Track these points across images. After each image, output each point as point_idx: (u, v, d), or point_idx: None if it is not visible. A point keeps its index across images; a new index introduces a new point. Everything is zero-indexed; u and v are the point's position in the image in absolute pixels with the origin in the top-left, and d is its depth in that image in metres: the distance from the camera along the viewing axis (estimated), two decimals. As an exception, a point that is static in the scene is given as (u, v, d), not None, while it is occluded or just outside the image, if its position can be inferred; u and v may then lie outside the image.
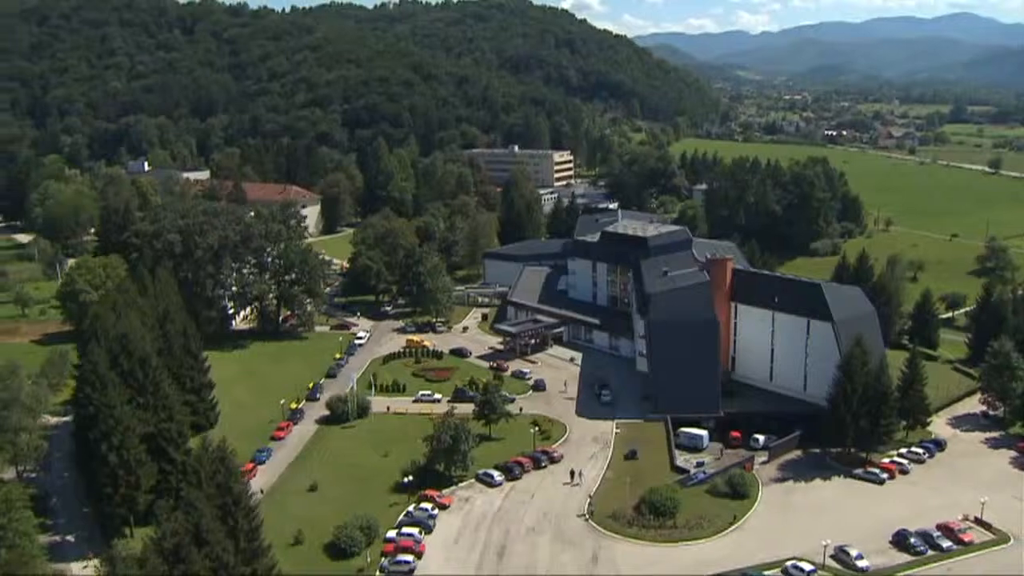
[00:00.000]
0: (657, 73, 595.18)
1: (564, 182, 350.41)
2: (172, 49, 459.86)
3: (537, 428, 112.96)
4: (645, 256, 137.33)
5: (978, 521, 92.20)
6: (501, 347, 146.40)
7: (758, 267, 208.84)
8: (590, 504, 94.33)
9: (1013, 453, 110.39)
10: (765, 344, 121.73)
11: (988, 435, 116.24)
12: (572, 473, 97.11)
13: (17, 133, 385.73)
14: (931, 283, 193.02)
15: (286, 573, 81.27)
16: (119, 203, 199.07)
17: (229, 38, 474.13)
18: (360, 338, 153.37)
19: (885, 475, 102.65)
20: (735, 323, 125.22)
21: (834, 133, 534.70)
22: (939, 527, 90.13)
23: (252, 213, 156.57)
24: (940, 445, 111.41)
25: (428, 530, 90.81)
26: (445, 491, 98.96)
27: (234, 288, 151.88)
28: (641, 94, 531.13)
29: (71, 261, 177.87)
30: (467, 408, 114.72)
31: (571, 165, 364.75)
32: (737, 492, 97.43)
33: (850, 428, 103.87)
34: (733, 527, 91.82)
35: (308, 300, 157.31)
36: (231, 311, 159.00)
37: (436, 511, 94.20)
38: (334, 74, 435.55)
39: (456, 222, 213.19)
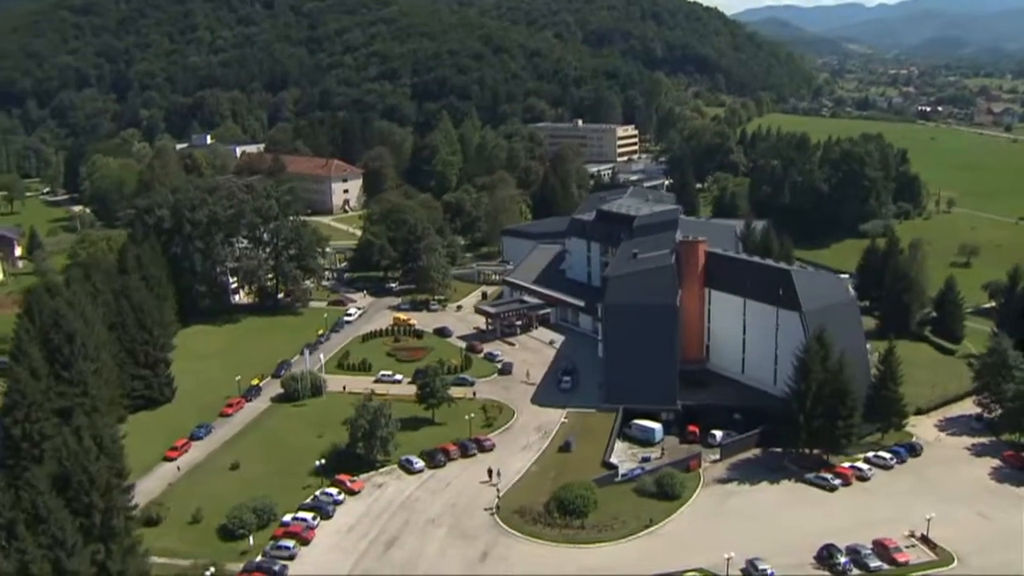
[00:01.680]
0: (747, 46, 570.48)
1: (626, 157, 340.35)
2: (251, 23, 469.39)
3: (484, 414, 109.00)
4: (628, 236, 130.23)
5: (923, 539, 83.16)
6: (485, 328, 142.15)
7: (792, 249, 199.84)
8: (498, 498, 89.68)
9: (996, 463, 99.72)
10: (737, 333, 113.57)
11: (976, 441, 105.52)
12: (490, 472, 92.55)
13: (101, 107, 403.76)
14: (983, 269, 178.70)
15: (164, 550, 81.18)
16: (149, 177, 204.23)
17: (307, 11, 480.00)
18: (350, 315, 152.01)
19: (838, 481, 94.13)
20: (708, 310, 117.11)
21: (928, 109, 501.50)
22: (875, 543, 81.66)
23: (245, 188, 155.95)
24: (914, 450, 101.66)
25: (326, 515, 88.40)
26: (362, 476, 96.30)
27: (228, 264, 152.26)
28: (727, 68, 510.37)
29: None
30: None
31: (635, 139, 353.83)
32: (665, 493, 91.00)
33: (803, 428, 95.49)
34: (646, 531, 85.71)
35: (303, 276, 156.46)
36: (233, 286, 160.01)
37: (342, 496, 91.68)
38: (406, 47, 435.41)
39: (482, 198, 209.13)
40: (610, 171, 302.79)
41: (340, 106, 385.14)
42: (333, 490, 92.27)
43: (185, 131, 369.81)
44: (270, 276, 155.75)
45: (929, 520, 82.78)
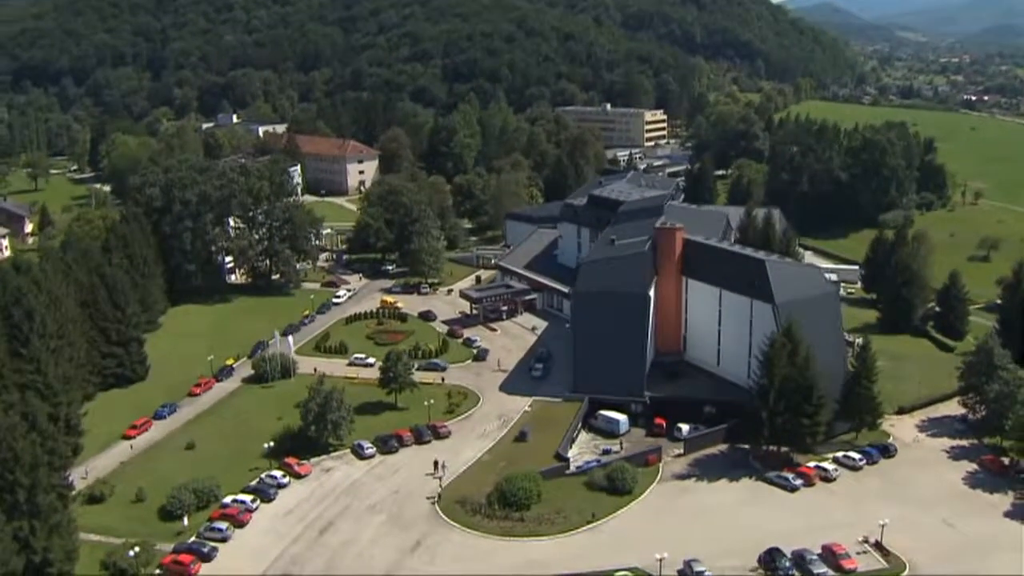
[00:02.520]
0: (790, 32, 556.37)
1: (653, 142, 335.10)
2: (287, 3, 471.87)
3: (448, 400, 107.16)
4: (613, 222, 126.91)
5: (877, 545, 79.35)
6: (470, 313, 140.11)
7: (803, 237, 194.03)
8: (439, 487, 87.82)
9: (973, 467, 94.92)
10: (713, 324, 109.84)
11: (956, 443, 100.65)
12: (436, 464, 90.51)
13: (135, 85, 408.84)
14: (1003, 264, 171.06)
15: (103, 528, 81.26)
16: (166, 155, 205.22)
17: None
18: (339, 297, 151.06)
19: (799, 482, 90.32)
20: (686, 299, 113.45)
21: (974, 98, 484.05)
22: (824, 548, 78.08)
23: (237, 168, 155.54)
24: (887, 451, 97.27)
25: (267, 499, 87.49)
26: (312, 460, 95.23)
27: (221, 244, 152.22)
28: (767, 53, 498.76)
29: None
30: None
31: (664, 124, 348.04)
32: (616, 487, 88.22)
33: (766, 425, 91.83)
34: (588, 527, 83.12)
35: (296, 257, 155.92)
36: (229, 266, 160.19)
37: (287, 480, 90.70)
38: (439, 28, 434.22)
39: (490, 181, 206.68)
40: (627, 156, 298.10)
41: (371, 87, 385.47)
42: (278, 473, 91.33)
43: (217, 110, 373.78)
44: (262, 256, 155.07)
45: (883, 526, 78.92)
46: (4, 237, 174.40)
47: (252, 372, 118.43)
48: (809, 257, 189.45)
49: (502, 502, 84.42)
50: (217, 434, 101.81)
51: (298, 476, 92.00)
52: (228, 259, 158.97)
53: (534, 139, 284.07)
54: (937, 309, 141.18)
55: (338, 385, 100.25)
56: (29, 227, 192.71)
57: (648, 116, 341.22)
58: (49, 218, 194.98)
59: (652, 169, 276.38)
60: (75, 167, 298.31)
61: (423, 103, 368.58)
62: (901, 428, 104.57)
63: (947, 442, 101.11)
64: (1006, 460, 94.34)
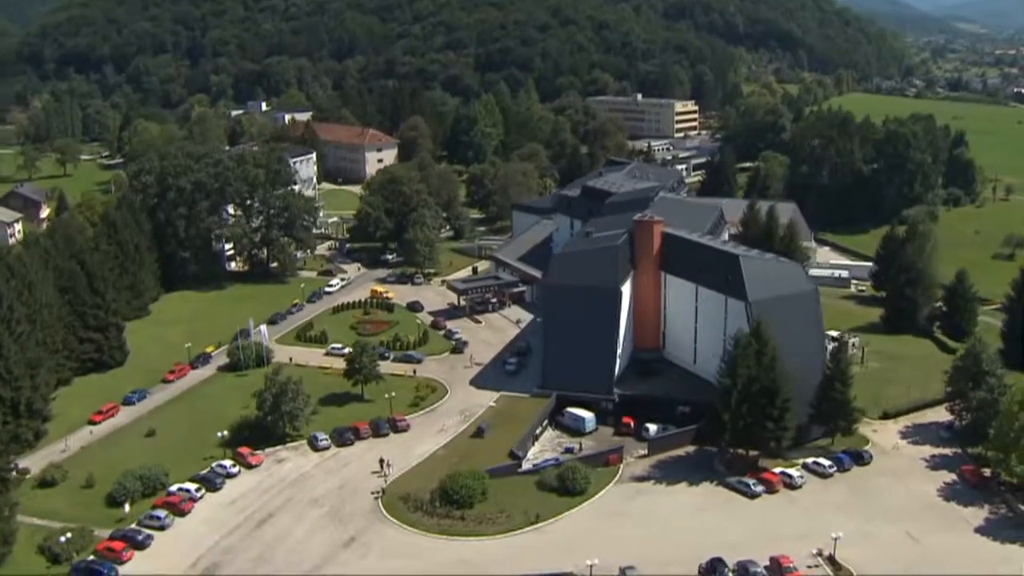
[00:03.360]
0: (834, 22, 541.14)
1: (683, 133, 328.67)
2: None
3: (416, 392, 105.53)
4: (598, 213, 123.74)
5: (830, 559, 75.58)
6: (457, 304, 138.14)
7: (824, 232, 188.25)
8: (383, 483, 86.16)
9: (952, 478, 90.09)
10: (690, 321, 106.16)
11: (938, 451, 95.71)
12: (381, 462, 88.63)
13: (173, 73, 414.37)
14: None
15: (50, 512, 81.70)
16: (175, 141, 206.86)
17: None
18: (332, 286, 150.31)
19: (760, 488, 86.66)
20: (665, 295, 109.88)
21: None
22: (771, 560, 74.60)
23: (236, 156, 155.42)
24: (861, 458, 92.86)
25: (214, 488, 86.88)
26: (268, 450, 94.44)
27: (217, 231, 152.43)
28: (810, 44, 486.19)
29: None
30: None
31: (695, 115, 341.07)
32: (567, 488, 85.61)
33: (728, 428, 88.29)
34: (531, 528, 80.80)
35: (291, 244, 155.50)
36: (229, 253, 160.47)
37: (237, 469, 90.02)
38: (473, 17, 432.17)
39: (500, 171, 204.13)
40: (646, 147, 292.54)
41: (403, 75, 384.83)
42: (228, 462, 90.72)
43: (249, 97, 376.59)
44: (258, 244, 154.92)
45: (836, 539, 75.01)
46: (17, 222, 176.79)
47: (228, 360, 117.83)
48: (825, 253, 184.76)
49: (444, 500, 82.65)
50: (180, 422, 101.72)
51: (249, 466, 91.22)
52: (228, 246, 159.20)
53: (558, 129, 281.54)
54: (944, 309, 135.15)
55: (310, 375, 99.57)
56: (45, 212, 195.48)
57: (679, 107, 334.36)
58: (66, 204, 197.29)
59: (677, 160, 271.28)
60: (106, 153, 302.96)
61: (455, 92, 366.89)
62: (883, 434, 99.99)
63: (929, 450, 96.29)
64: (987, 472, 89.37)
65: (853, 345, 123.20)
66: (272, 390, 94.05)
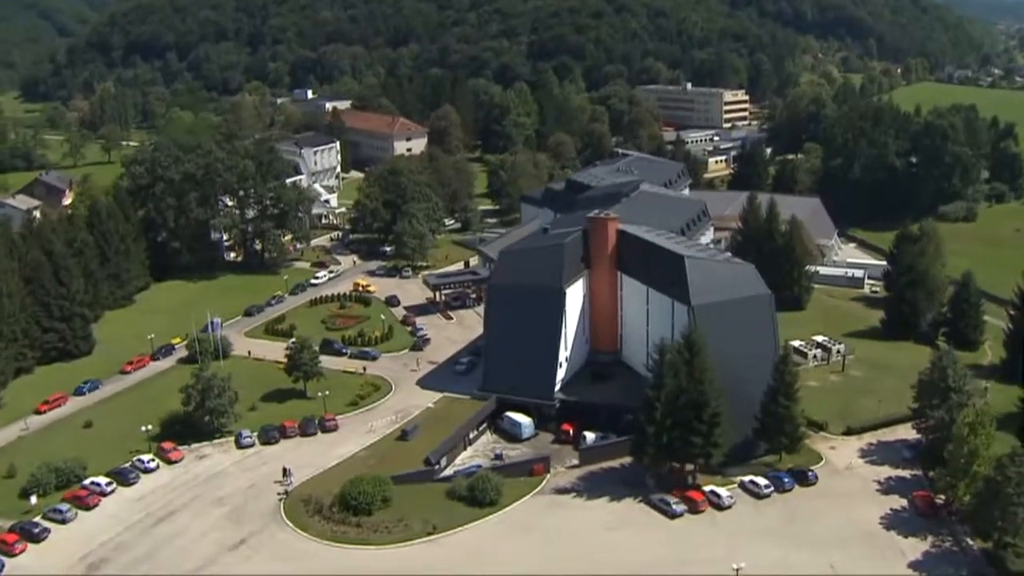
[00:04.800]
0: (908, 9, 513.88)
1: (731, 124, 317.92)
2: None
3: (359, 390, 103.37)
4: (570, 209, 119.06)
5: (726, 587, 70.25)
6: (435, 299, 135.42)
7: (854, 228, 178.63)
8: (287, 486, 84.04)
9: (902, 504, 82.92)
10: (643, 324, 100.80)
11: (896, 473, 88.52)
12: (284, 471, 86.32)
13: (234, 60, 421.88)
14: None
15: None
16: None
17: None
18: (318, 278, 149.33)
19: (682, 507, 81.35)
20: (621, 295, 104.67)
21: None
22: (668, 585, 69.84)
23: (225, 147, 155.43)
24: (805, 478, 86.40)
25: (127, 482, 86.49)
26: (193, 445, 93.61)
27: (209, 221, 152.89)
28: (880, 32, 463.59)
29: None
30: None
31: (745, 105, 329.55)
32: (476, 498, 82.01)
33: (650, 442, 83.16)
34: (425, 539, 77.65)
35: (283, 235, 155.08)
36: (228, 243, 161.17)
37: (155, 464, 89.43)
38: (528, 4, 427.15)
39: (516, 162, 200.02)
40: (674, 138, 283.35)
41: (456, 63, 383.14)
42: (147, 457, 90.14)
43: (303, 85, 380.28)
44: (251, 235, 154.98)
45: (737, 570, 69.42)
46: (36, 210, 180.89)
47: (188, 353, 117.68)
48: (849, 250, 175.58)
49: (343, 505, 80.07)
50: (122, 414, 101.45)
51: (169, 462, 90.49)
52: (227, 237, 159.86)
53: (597, 118, 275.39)
54: (950, 315, 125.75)
55: (264, 369, 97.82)
56: (68, 199, 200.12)
57: (728, 96, 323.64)
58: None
59: (718, 152, 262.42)
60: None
61: (506, 80, 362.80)
62: (841, 451, 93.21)
63: (887, 472, 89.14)
64: (940, 499, 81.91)
65: (838, 352, 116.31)
66: (198, 386, 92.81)
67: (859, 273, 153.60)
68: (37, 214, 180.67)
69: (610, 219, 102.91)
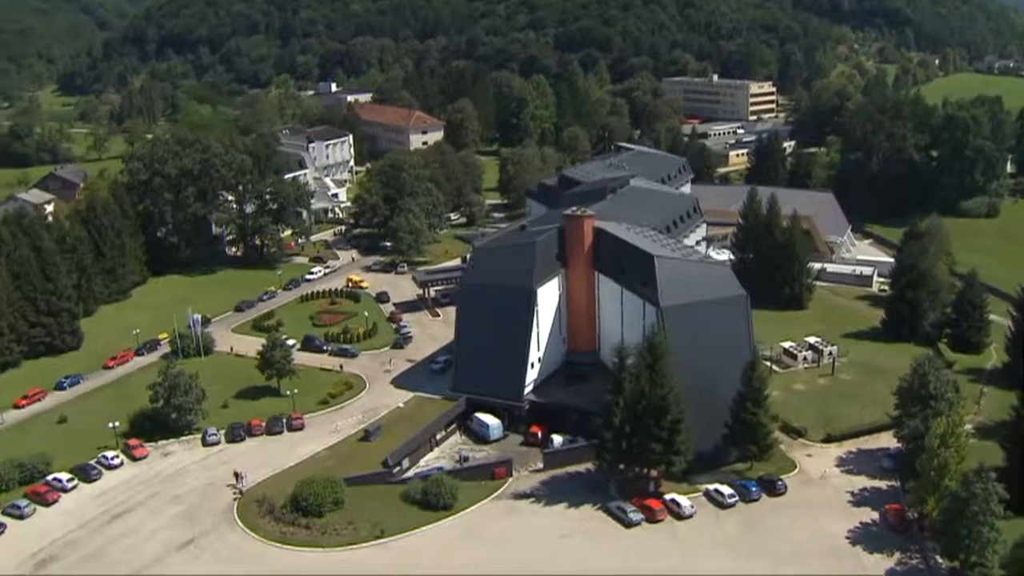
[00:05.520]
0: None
1: (756, 116, 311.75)
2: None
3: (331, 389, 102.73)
4: (555, 205, 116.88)
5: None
6: (425, 296, 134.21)
7: (872, 224, 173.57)
8: (240, 492, 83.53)
9: (872, 517, 79.66)
10: (617, 325, 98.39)
11: (872, 484, 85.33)
12: (236, 475, 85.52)
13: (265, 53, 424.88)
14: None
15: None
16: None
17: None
18: (313, 273, 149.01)
19: (638, 516, 79.07)
20: (598, 295, 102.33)
21: None
22: (611, 596, 67.83)
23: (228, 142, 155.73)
24: (773, 488, 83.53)
25: (89, 479, 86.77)
26: (160, 443, 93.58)
27: (208, 216, 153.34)
28: (918, 22, 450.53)
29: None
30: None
31: (772, 97, 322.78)
32: (429, 502, 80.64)
33: (609, 448, 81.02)
34: (373, 543, 76.58)
35: (279, 230, 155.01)
36: (228, 238, 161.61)
37: (119, 461, 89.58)
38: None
39: (524, 156, 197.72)
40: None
41: (483, 56, 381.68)
42: (111, 453, 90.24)
43: (330, 78, 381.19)
44: (248, 229, 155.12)
45: (680, 582, 67.40)
46: (49, 204, 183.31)
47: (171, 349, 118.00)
48: (863, 247, 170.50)
49: (294, 506, 79.31)
50: (98, 409, 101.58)
51: (134, 458, 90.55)
52: (227, 232, 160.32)
53: (617, 110, 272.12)
54: (954, 316, 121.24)
55: (243, 366, 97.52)
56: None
57: (754, 88, 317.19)
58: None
59: (740, 145, 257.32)
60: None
61: (532, 72, 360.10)
62: (818, 459, 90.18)
63: (863, 482, 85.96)
64: (912, 513, 78.45)
65: (830, 354, 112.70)
66: (165, 384, 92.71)
67: (868, 271, 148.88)
68: (50, 208, 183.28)
69: (586, 216, 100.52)
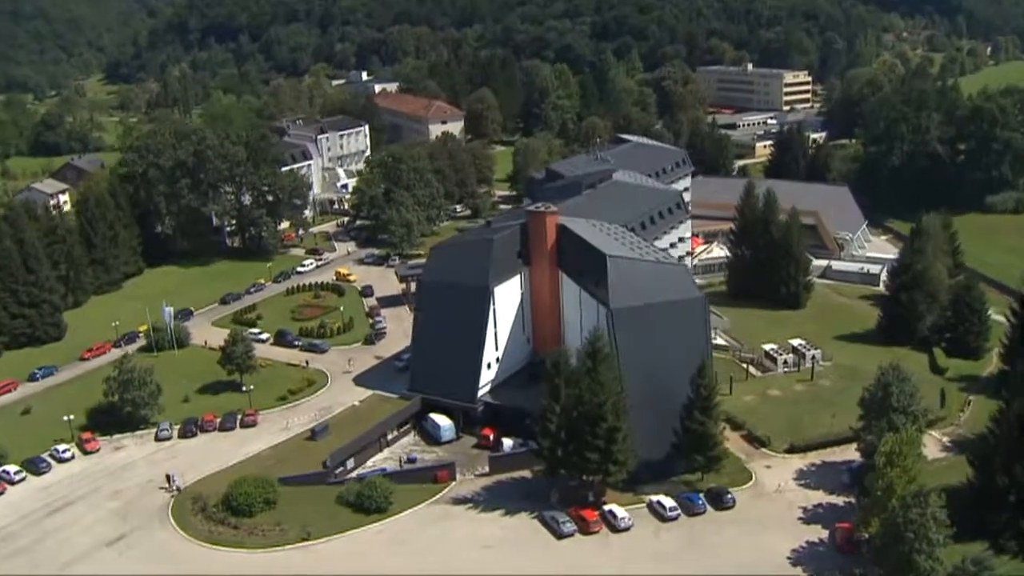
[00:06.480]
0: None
1: (790, 106, 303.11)
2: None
3: (287, 385, 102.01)
4: (535, 199, 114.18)
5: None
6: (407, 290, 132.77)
7: (892, 219, 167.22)
8: (177, 489, 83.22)
9: (821, 536, 75.70)
10: (577, 326, 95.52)
11: (828, 499, 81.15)
12: (168, 478, 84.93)
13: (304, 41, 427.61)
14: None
15: None
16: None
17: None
18: (304, 265, 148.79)
19: (571, 527, 76.50)
20: (562, 294, 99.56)
21: None
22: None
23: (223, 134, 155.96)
24: (720, 501, 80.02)
25: (38, 472, 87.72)
26: (115, 436, 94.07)
27: (205, 208, 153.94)
28: (969, 9, 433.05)
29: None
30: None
31: (807, 87, 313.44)
32: (363, 505, 79.27)
33: (544, 455, 78.60)
34: (298, 545, 75.57)
35: (274, 222, 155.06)
36: (229, 229, 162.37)
37: (70, 454, 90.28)
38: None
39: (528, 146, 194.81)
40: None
41: (519, 44, 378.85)
42: (63, 446, 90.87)
43: (365, 66, 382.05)
44: (244, 220, 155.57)
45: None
46: (63, 193, 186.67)
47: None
48: (880, 243, 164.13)
49: (225, 506, 78.74)
50: (62, 401, 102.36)
51: (86, 452, 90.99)
52: (226, 223, 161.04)
53: (643, 100, 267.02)
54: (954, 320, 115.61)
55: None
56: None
57: (788, 77, 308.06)
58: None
59: (769, 136, 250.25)
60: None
61: (566, 62, 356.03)
62: (777, 471, 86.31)
63: (819, 497, 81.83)
64: (864, 534, 74.28)
65: (813, 358, 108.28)
66: (119, 378, 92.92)
67: (875, 269, 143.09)
68: (64, 198, 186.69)
69: (548, 213, 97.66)
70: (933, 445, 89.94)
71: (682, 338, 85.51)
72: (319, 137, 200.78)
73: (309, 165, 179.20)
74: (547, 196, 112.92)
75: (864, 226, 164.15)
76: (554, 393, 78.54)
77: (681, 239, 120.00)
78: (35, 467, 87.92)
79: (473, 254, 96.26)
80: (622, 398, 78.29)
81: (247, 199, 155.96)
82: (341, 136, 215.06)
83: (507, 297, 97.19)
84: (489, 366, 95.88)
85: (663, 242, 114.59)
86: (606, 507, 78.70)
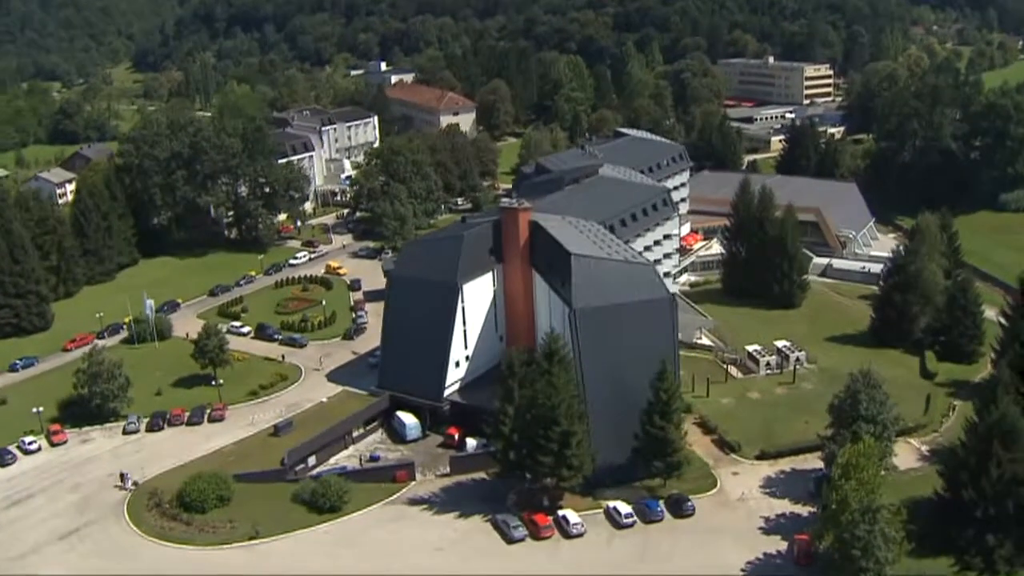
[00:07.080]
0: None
1: (810, 100, 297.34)
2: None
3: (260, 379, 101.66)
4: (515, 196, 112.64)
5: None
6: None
7: (902, 216, 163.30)
8: (131, 480, 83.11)
9: (780, 548, 73.53)
10: (546, 324, 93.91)
11: (792, 509, 78.92)
12: (122, 476, 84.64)
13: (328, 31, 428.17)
14: None
15: None
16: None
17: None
18: (297, 258, 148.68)
19: (521, 532, 75.12)
20: (535, 292, 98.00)
21: None
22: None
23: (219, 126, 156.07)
24: (680, 509, 78.10)
25: (3, 463, 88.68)
26: (85, 428, 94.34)
27: (199, 199, 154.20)
28: (1002, 2, 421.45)
29: None
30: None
31: (828, 80, 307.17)
32: (317, 504, 78.61)
33: (497, 458, 77.37)
34: (246, 544, 75.09)
35: (269, 214, 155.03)
36: (227, 221, 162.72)
37: (37, 446, 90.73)
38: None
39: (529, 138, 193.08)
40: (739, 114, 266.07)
41: (541, 35, 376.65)
42: (30, 438, 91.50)
43: (388, 56, 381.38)
44: (240, 212, 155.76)
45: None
46: (70, 182, 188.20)
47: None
48: (887, 240, 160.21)
49: (179, 502, 78.58)
50: (38, 392, 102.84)
51: (53, 444, 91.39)
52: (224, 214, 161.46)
53: (659, 94, 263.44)
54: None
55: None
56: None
57: (810, 71, 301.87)
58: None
59: (784, 130, 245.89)
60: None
61: (587, 53, 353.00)
62: (744, 478, 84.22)
63: (783, 506, 79.64)
64: (821, 546, 72.12)
65: (797, 360, 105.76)
66: (88, 370, 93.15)
67: (876, 267, 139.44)
68: (71, 187, 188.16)
69: (521, 209, 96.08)
70: (911, 454, 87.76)
71: (648, 339, 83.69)
72: (325, 128, 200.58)
73: (310, 157, 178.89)
74: (529, 191, 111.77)
75: (871, 223, 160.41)
76: (507, 394, 77.32)
77: (667, 236, 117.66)
78: (1, 459, 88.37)
79: (443, 250, 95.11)
80: (577, 401, 76.85)
81: (243, 191, 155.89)
82: (349, 127, 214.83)
83: (478, 294, 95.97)
84: (458, 364, 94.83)
85: (646, 239, 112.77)
86: (560, 512, 77.34)
